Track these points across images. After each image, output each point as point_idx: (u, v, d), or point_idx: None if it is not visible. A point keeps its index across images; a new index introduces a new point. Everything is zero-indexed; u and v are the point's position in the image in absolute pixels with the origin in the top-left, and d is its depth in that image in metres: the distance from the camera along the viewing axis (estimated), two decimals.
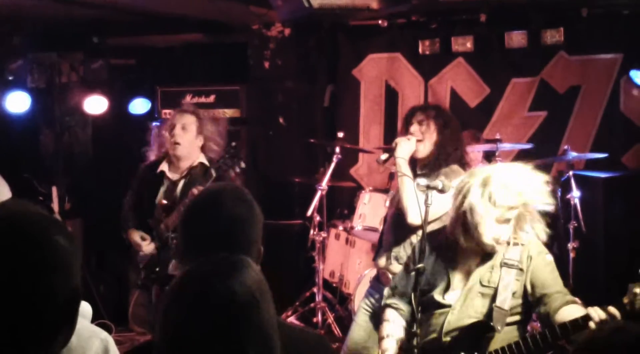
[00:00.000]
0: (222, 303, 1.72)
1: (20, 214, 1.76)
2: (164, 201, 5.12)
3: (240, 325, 1.72)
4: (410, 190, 4.37)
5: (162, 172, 5.23)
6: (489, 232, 3.40)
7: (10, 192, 5.50)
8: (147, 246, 5.20)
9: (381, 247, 4.81)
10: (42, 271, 1.58)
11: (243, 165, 5.00)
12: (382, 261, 4.67)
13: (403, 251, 4.51)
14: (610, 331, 1.53)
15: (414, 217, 4.38)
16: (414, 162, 4.65)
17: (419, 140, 4.58)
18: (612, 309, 3.17)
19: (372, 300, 4.63)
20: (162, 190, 5.20)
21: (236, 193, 2.48)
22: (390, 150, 4.64)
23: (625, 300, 3.16)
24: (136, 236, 5.25)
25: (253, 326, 1.73)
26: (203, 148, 5.23)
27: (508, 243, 3.48)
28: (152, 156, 5.33)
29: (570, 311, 3.32)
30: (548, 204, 3.47)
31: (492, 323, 3.37)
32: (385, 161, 4.74)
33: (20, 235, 1.62)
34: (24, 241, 1.61)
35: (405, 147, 4.57)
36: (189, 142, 5.15)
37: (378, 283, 4.69)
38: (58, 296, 1.60)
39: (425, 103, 4.99)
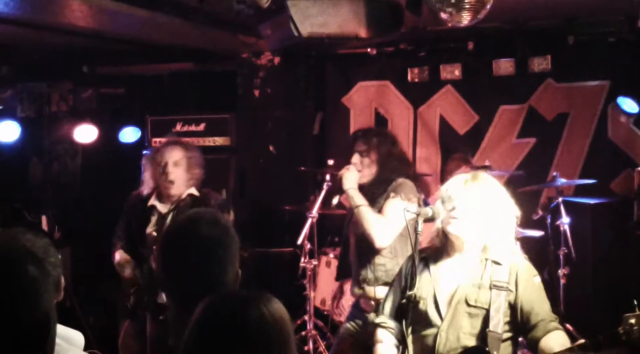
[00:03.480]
0: (256, 332, 1.84)
1: None
2: (154, 234, 5.12)
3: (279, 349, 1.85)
4: (370, 218, 4.48)
5: (153, 205, 5.26)
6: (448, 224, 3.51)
7: None
8: (128, 272, 5.20)
9: (344, 271, 4.87)
10: (6, 296, 1.69)
11: (232, 216, 5.05)
12: (356, 289, 4.71)
13: (370, 273, 4.56)
14: None
15: (380, 242, 4.47)
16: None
17: (358, 170, 4.67)
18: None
19: (354, 324, 4.65)
20: (153, 221, 5.21)
21: (212, 217, 2.56)
22: (339, 188, 4.70)
23: (621, 330, 3.16)
24: (121, 257, 5.25)
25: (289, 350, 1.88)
26: (191, 179, 5.25)
27: (492, 262, 3.50)
28: (145, 189, 5.33)
29: (553, 339, 3.36)
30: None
31: (487, 348, 3.37)
32: (339, 201, 4.82)
33: None
34: None
35: (350, 178, 4.65)
36: (181, 178, 5.17)
37: (357, 309, 4.71)
38: (24, 322, 1.69)
39: (367, 131, 5.00)
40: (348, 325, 4.74)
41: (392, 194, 4.52)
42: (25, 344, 1.70)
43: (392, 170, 4.64)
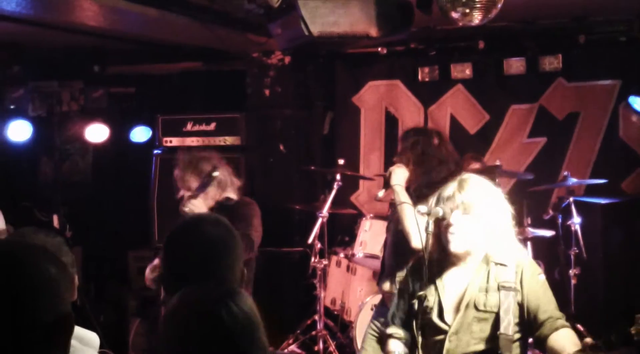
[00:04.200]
0: (226, 326, 1.86)
1: (12, 243, 1.95)
2: None
3: (245, 348, 1.87)
4: (412, 216, 4.43)
5: None
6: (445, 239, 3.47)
7: (4, 222, 5.51)
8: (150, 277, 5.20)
9: (384, 272, 4.85)
10: (28, 296, 1.68)
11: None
12: (386, 286, 4.71)
13: None
14: None
15: (417, 242, 4.42)
16: (407, 189, 4.72)
17: None
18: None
19: (378, 324, 4.65)
20: None
21: (214, 219, 2.60)
22: (386, 183, 4.70)
23: (633, 331, 3.15)
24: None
25: (255, 350, 1.89)
26: (220, 186, 5.15)
27: (496, 264, 3.48)
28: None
29: (562, 336, 3.34)
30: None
31: (500, 352, 3.36)
32: (384, 193, 4.80)
33: (8, 263, 1.72)
34: (12, 268, 1.70)
35: (399, 174, 4.66)
36: (201, 203, 5.01)
37: (383, 307, 4.72)
38: (44, 321, 1.68)
39: (409, 130, 5.02)
40: (372, 324, 4.75)
41: None
42: (44, 344, 1.70)
43: (432, 171, 4.62)
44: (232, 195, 5.15)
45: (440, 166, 4.69)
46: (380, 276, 4.94)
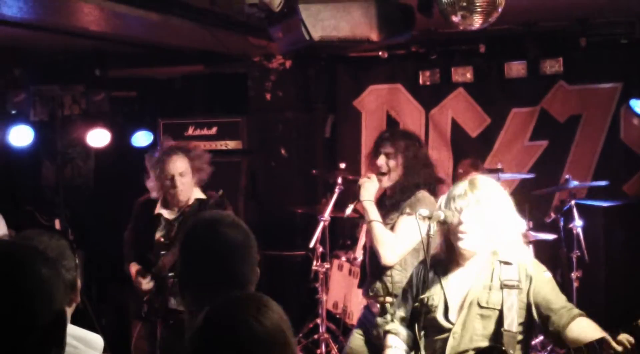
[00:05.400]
0: (259, 339, 1.78)
1: (4, 245, 1.93)
2: (162, 239, 5.17)
3: None
4: (381, 234, 4.45)
5: (159, 213, 5.32)
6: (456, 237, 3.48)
7: (6, 226, 5.52)
8: (146, 284, 5.23)
9: (365, 276, 4.83)
10: (22, 297, 1.70)
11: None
12: (367, 294, 4.69)
13: (379, 283, 4.55)
14: None
15: (387, 260, 4.44)
16: (384, 192, 4.72)
17: (382, 174, 4.62)
18: (626, 336, 3.12)
19: (364, 328, 4.65)
20: (160, 228, 5.25)
21: (231, 220, 2.57)
22: (355, 196, 4.66)
23: None
24: (137, 272, 5.27)
25: None
26: (196, 182, 5.33)
27: (501, 262, 3.48)
28: (153, 193, 5.35)
29: (580, 325, 3.33)
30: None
31: (504, 348, 3.36)
32: (352, 211, 4.79)
33: (2, 264, 1.73)
34: (3, 269, 1.72)
35: (369, 188, 4.60)
36: (188, 184, 5.25)
37: (369, 311, 4.71)
38: (40, 320, 1.70)
39: (393, 132, 4.95)
40: (359, 327, 4.75)
41: (407, 210, 4.46)
42: (42, 342, 1.71)
43: (418, 174, 4.58)
44: (200, 193, 5.30)
45: (426, 169, 4.67)
46: (362, 280, 4.90)
